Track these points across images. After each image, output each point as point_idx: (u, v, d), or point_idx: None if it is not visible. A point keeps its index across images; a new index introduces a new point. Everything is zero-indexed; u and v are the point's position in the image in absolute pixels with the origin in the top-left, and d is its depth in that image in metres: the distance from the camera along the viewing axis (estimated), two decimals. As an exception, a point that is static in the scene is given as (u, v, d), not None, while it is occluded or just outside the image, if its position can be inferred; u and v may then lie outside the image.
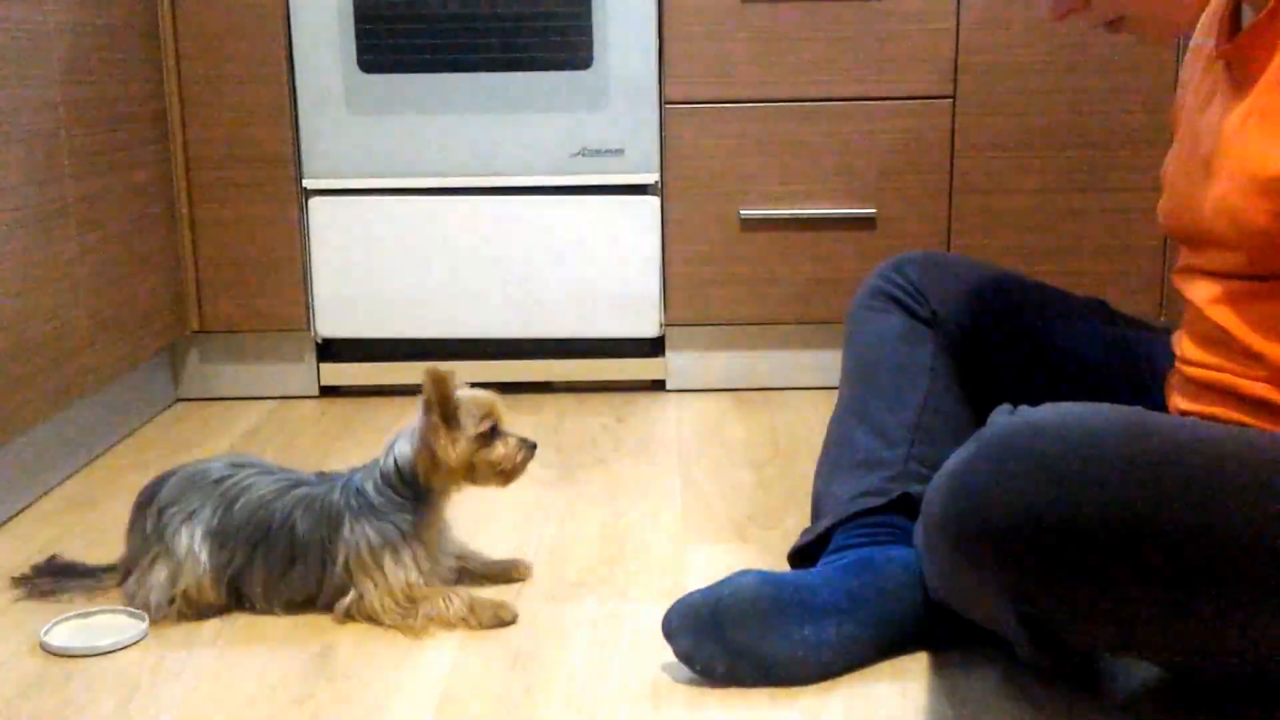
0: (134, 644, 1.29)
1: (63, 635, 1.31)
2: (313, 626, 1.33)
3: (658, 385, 2.29)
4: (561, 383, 2.30)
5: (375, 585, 1.32)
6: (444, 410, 1.32)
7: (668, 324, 2.25)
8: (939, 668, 1.21)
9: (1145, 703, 1.15)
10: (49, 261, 1.73)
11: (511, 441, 1.36)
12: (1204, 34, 1.18)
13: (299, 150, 2.17)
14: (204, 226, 2.20)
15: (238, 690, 1.20)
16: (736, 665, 1.17)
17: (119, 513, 1.65)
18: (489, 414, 1.34)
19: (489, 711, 1.15)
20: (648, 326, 2.22)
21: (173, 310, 2.16)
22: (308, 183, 2.18)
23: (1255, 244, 1.05)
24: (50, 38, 1.74)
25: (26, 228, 1.67)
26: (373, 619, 1.33)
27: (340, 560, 1.32)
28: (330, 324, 2.23)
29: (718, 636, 1.16)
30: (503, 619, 1.34)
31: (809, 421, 2.06)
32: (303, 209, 2.20)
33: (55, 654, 1.28)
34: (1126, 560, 0.95)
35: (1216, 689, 1.14)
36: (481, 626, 1.33)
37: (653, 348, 2.27)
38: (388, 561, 1.32)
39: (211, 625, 1.34)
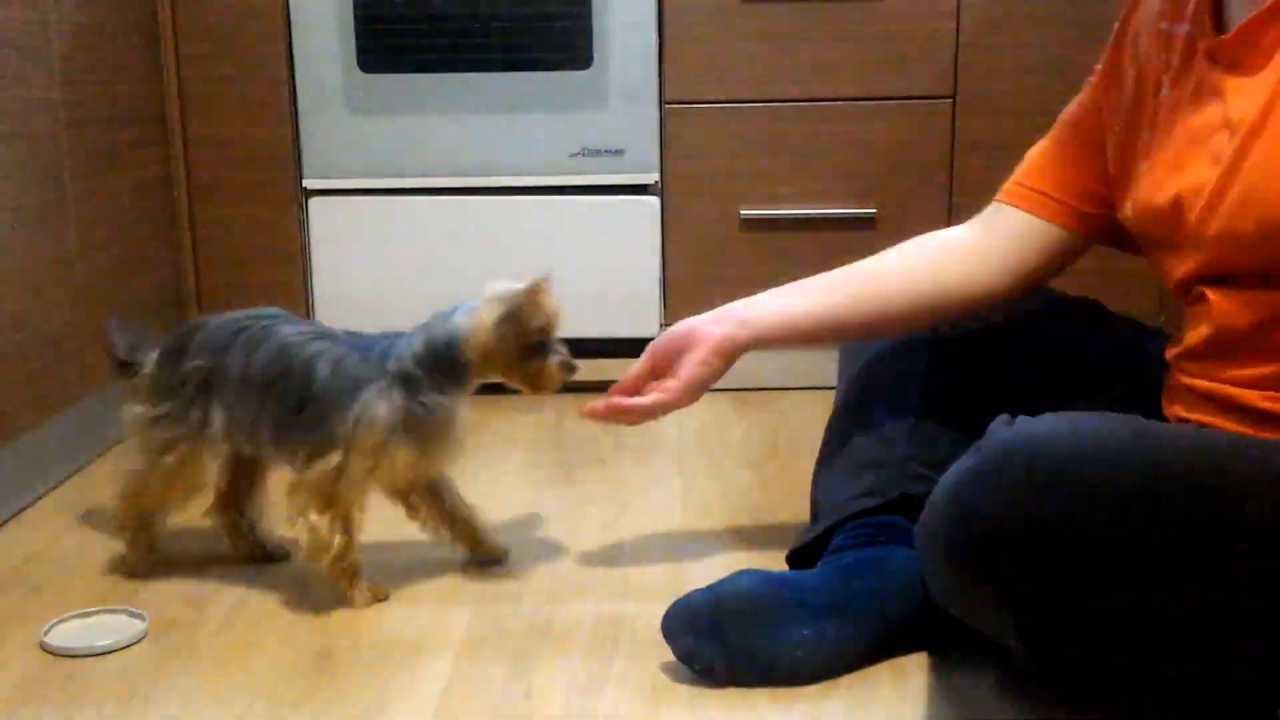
0: (134, 644, 1.29)
1: (63, 635, 1.31)
2: (313, 626, 1.33)
3: (658, 385, 2.29)
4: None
5: (371, 457, 1.31)
6: (520, 325, 1.32)
7: (668, 324, 2.24)
8: (939, 668, 1.21)
9: (1145, 703, 1.15)
10: (49, 261, 1.73)
11: (554, 362, 1.36)
12: (1169, 19, 1.17)
13: (299, 150, 2.17)
14: (204, 226, 2.20)
15: (237, 691, 1.20)
16: (736, 665, 1.17)
17: (119, 513, 1.66)
18: (545, 326, 1.34)
19: (489, 712, 1.15)
20: (648, 326, 2.22)
21: (173, 310, 2.16)
22: (308, 183, 2.18)
23: (1276, 241, 1.04)
24: (50, 38, 1.74)
25: (26, 228, 1.67)
26: (326, 500, 1.32)
27: (350, 418, 1.30)
28: (330, 324, 2.23)
29: (717, 636, 1.16)
30: (379, 597, 1.38)
31: (809, 421, 2.06)
32: (303, 209, 2.20)
33: (55, 654, 1.28)
34: (1127, 572, 0.94)
35: (1216, 690, 1.14)
36: (364, 604, 1.36)
37: (653, 348, 2.27)
38: (393, 438, 1.31)
39: (211, 625, 1.34)
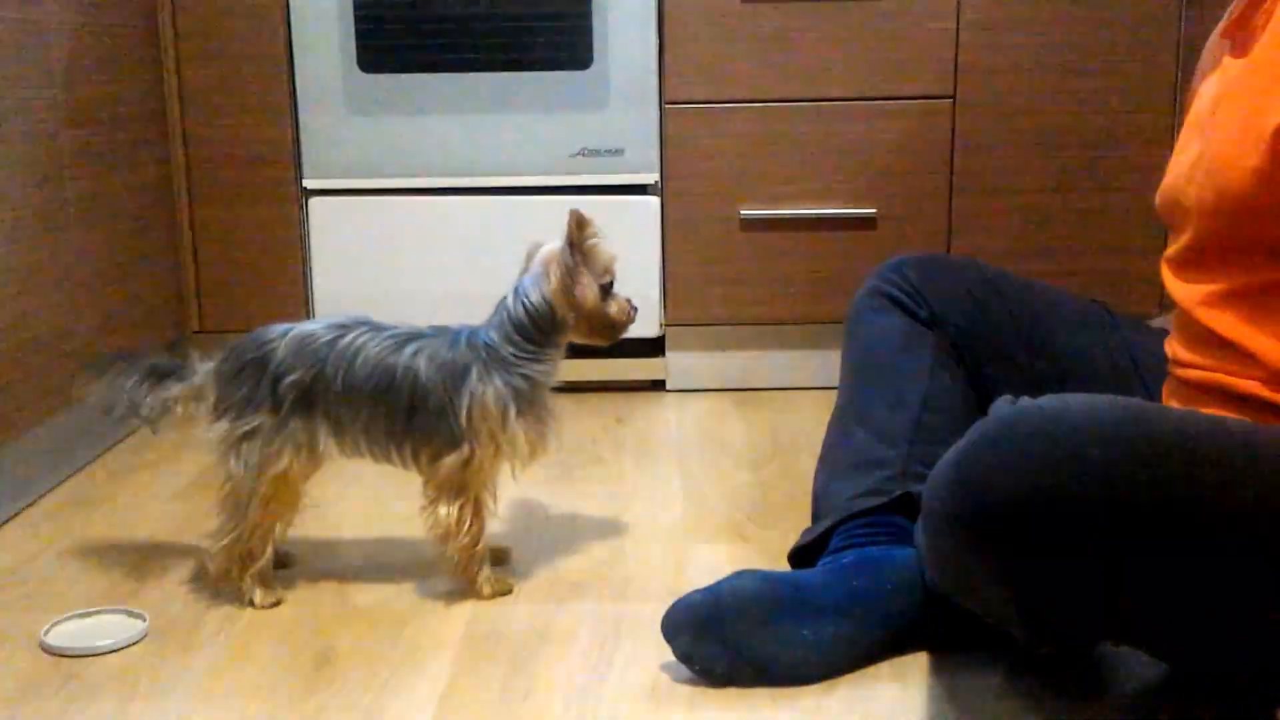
0: (134, 644, 1.29)
1: (63, 635, 1.31)
2: (313, 626, 1.33)
3: (658, 385, 2.29)
4: (561, 383, 2.30)
5: (493, 442, 1.33)
6: (581, 253, 1.35)
7: (668, 324, 2.25)
8: (939, 668, 1.21)
9: (1146, 702, 1.15)
10: (49, 261, 1.73)
11: (623, 299, 1.40)
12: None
13: (299, 150, 2.17)
14: (204, 226, 2.20)
15: (237, 690, 1.20)
16: (736, 665, 1.17)
17: (119, 513, 1.66)
18: (609, 269, 1.38)
19: (488, 711, 1.15)
20: (648, 326, 2.22)
21: (173, 310, 2.16)
22: (308, 183, 2.18)
23: (1232, 206, 1.07)
24: (50, 38, 1.74)
25: (26, 228, 1.67)
26: (457, 489, 1.35)
27: (464, 411, 1.32)
28: (330, 324, 2.23)
29: (718, 636, 1.16)
30: (502, 590, 1.40)
31: (809, 421, 2.06)
32: (303, 209, 2.20)
33: (55, 654, 1.28)
34: (1126, 545, 0.95)
35: (1216, 688, 1.14)
36: (490, 594, 1.39)
37: (653, 348, 2.27)
38: (511, 419, 1.33)
39: (211, 625, 1.34)
